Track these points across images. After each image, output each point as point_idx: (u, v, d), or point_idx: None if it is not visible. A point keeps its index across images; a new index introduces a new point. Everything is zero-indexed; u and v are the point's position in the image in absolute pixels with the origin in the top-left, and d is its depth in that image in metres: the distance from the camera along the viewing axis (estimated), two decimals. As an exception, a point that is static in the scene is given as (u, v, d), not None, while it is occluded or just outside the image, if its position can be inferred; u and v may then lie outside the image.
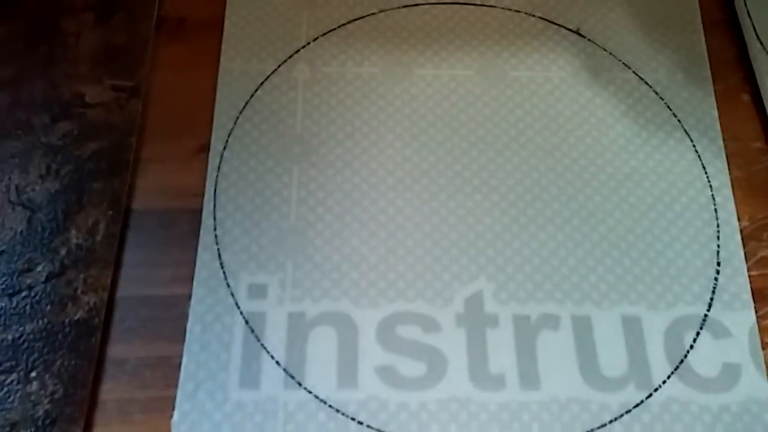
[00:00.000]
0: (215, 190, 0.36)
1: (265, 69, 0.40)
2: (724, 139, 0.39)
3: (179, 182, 0.37)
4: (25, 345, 0.32)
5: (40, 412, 0.31)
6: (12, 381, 0.31)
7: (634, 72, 0.41)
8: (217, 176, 0.37)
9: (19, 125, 0.37)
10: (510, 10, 0.42)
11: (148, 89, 0.39)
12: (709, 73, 0.41)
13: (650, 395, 0.32)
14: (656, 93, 0.40)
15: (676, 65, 0.41)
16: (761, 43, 0.41)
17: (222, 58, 0.40)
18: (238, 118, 0.38)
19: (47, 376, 0.32)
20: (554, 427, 0.32)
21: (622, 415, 0.32)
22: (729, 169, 0.38)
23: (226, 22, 0.41)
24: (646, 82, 0.40)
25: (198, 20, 0.41)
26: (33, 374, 0.32)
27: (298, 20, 0.41)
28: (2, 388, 0.31)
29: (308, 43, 0.40)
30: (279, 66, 0.40)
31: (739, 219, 0.37)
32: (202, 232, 0.35)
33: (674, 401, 0.32)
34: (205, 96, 0.39)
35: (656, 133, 0.39)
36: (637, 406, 0.32)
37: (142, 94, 0.39)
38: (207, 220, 0.36)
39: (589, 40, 0.41)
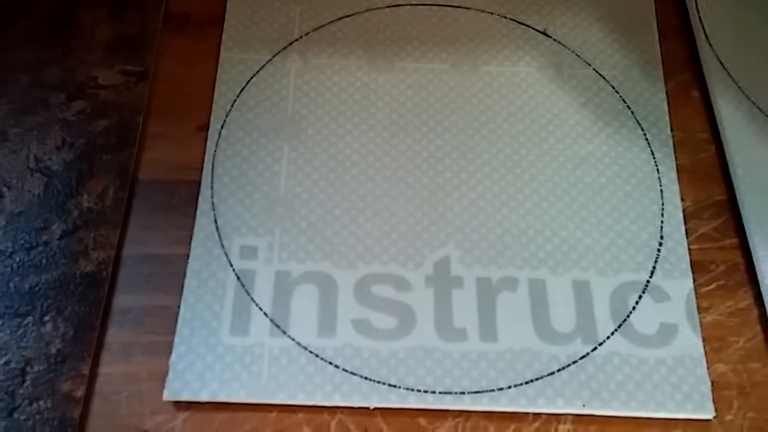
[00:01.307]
0: (213, 164, 0.41)
1: (261, 59, 0.44)
2: (672, 130, 0.43)
3: (181, 156, 0.41)
4: (41, 292, 0.36)
5: (53, 351, 0.35)
6: (28, 323, 0.35)
7: (593, 69, 0.45)
8: (215, 152, 0.41)
9: (38, 103, 0.41)
10: (484, 11, 0.47)
11: (155, 75, 0.43)
12: (661, 71, 0.45)
13: (595, 348, 0.36)
14: (613, 87, 0.44)
15: (632, 63, 0.45)
16: (710, 45, 0.46)
17: (222, 49, 0.44)
18: (235, 101, 0.43)
19: (59, 320, 0.36)
20: (508, 373, 0.36)
21: (569, 365, 0.36)
22: (676, 156, 0.42)
23: (227, 17, 0.45)
24: (604, 78, 0.45)
25: (201, 15, 0.46)
26: (47, 318, 0.36)
27: (292, 16, 0.45)
28: (19, 329, 0.35)
29: (300, 37, 0.45)
30: (273, 56, 0.44)
31: (683, 199, 0.41)
32: (200, 199, 0.39)
33: (616, 354, 0.36)
34: (205, 82, 0.43)
35: (611, 123, 0.43)
36: (583, 357, 0.36)
37: (149, 78, 0.43)
38: (205, 190, 0.40)
39: (554, 39, 0.46)
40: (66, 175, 0.39)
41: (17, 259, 0.37)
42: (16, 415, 0.33)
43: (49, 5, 0.45)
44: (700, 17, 0.47)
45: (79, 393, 0.34)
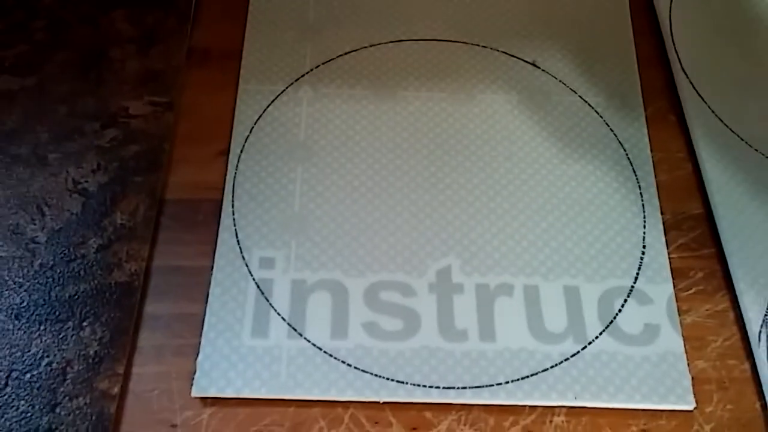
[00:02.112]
0: (233, 184, 0.44)
1: (276, 89, 0.48)
2: (652, 150, 0.47)
3: (204, 178, 0.45)
4: (80, 300, 0.40)
5: (91, 352, 0.38)
6: (68, 328, 0.39)
7: (579, 96, 0.49)
8: (235, 173, 0.45)
9: (75, 131, 0.46)
10: (478, 45, 0.51)
11: (180, 105, 0.48)
12: (641, 98, 0.49)
13: (585, 347, 0.40)
14: (597, 113, 0.49)
15: (615, 91, 0.50)
16: (686, 74, 0.50)
17: (240, 81, 0.49)
18: (253, 127, 0.47)
19: (97, 325, 0.39)
20: (506, 370, 0.39)
21: (561, 362, 0.39)
22: (655, 173, 0.46)
23: (244, 52, 0.50)
24: (589, 105, 0.49)
25: (221, 51, 0.50)
26: (85, 323, 0.39)
27: (304, 51, 0.50)
28: (60, 333, 0.39)
29: (311, 70, 0.49)
30: (287, 87, 0.48)
31: (662, 212, 0.45)
32: (222, 216, 0.43)
33: (604, 352, 0.40)
34: (226, 111, 0.48)
35: (596, 144, 0.47)
36: (573, 355, 0.40)
37: (175, 108, 0.47)
38: (226, 208, 0.44)
39: (543, 70, 0.50)
40: (101, 195, 0.43)
41: (58, 271, 0.41)
42: (57, 410, 0.37)
43: (82, 42, 0.49)
44: (675, 48, 0.51)
45: (115, 390, 0.37)
